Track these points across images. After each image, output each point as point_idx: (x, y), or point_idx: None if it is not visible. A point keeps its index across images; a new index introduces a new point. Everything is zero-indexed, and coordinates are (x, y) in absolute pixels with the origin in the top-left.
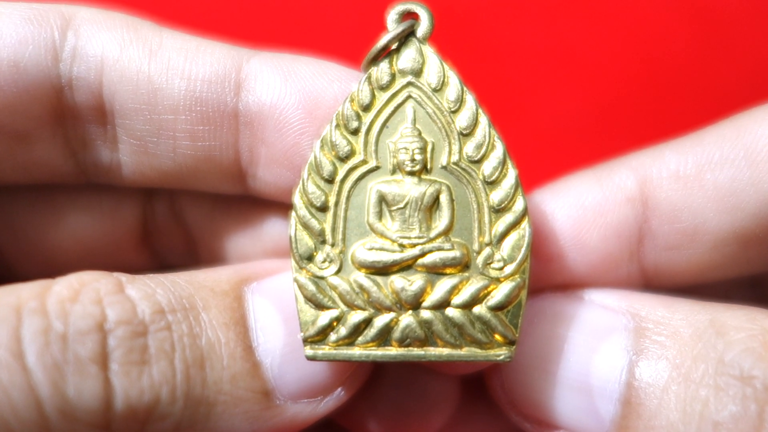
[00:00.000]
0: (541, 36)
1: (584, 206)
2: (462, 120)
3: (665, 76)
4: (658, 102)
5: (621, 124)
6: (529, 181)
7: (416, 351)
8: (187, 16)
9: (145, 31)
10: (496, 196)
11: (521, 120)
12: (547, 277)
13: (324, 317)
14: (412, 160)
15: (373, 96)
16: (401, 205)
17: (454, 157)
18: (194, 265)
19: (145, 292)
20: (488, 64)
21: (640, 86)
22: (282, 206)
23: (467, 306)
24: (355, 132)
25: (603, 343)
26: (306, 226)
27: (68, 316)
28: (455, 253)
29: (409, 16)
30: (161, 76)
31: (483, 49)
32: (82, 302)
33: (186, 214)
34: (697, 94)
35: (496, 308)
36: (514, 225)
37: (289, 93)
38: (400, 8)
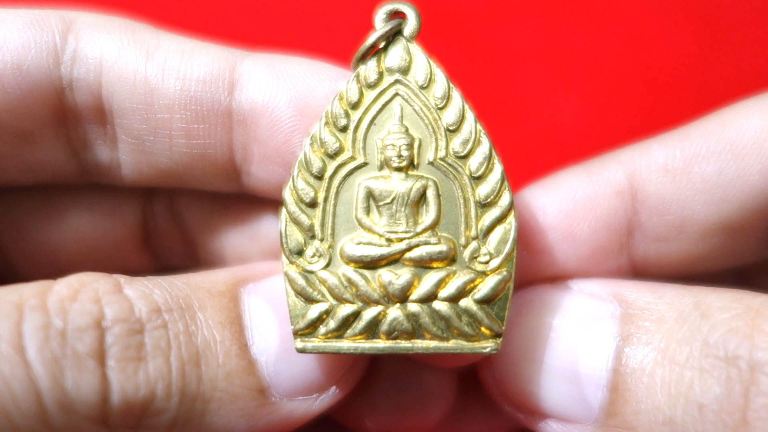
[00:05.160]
0: (529, 34)
1: (575, 200)
2: (449, 116)
3: (659, 78)
4: (653, 103)
5: (613, 123)
6: (519, 178)
7: (404, 343)
8: (183, 19)
9: (142, 33)
10: (483, 190)
11: (509, 117)
12: (539, 270)
13: (313, 310)
14: (399, 156)
15: (361, 94)
16: (388, 200)
17: (441, 153)
18: (194, 266)
19: (143, 292)
20: (475, 62)
21: (632, 87)
22: (278, 205)
23: (454, 299)
24: (343, 129)
25: (590, 331)
26: (296, 222)
27: (67, 313)
28: (441, 248)
29: (397, 15)
30: (157, 76)
31: (470, 47)
32: (81, 301)
33: (184, 214)
34: (693, 100)
35: (483, 301)
36: (501, 219)
37: (280, 92)
38: (387, 7)
